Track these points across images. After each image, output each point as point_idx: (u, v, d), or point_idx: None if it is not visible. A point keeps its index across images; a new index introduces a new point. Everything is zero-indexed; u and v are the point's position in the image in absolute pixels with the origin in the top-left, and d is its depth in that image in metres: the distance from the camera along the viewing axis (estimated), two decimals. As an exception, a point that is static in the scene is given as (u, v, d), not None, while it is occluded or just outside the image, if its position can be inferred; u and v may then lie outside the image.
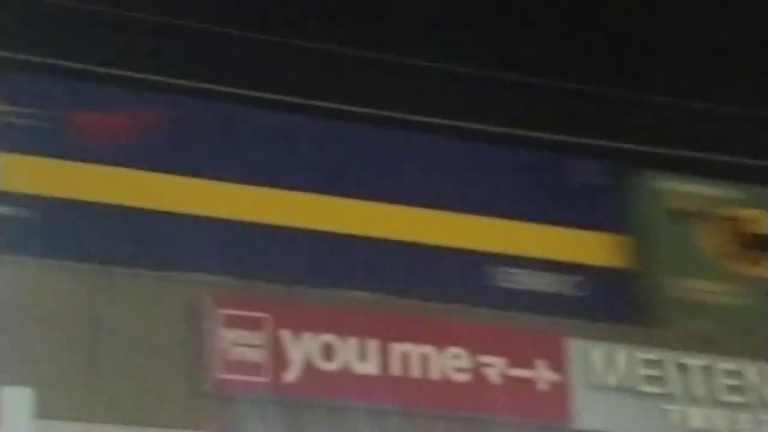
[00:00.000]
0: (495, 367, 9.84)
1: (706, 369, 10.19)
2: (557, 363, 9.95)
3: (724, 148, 11.11)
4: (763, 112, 11.15)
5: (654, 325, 10.42)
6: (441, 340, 9.83)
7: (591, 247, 10.73)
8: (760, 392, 10.20)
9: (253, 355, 9.31)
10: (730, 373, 10.21)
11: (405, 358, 9.74)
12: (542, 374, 9.90)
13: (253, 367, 9.27)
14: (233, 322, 9.32)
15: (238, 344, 9.29)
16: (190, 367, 9.12)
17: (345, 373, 9.55)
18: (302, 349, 9.47)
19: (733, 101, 11.17)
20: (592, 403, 9.90)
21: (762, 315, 10.91)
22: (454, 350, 9.82)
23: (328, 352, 9.53)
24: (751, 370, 10.24)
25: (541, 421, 9.79)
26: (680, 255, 10.89)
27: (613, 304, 10.52)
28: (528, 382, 9.87)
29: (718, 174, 11.13)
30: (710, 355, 10.23)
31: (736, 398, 10.14)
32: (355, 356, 9.63)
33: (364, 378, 9.58)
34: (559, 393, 9.88)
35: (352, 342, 9.64)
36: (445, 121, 10.66)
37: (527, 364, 9.90)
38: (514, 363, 9.88)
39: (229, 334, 9.27)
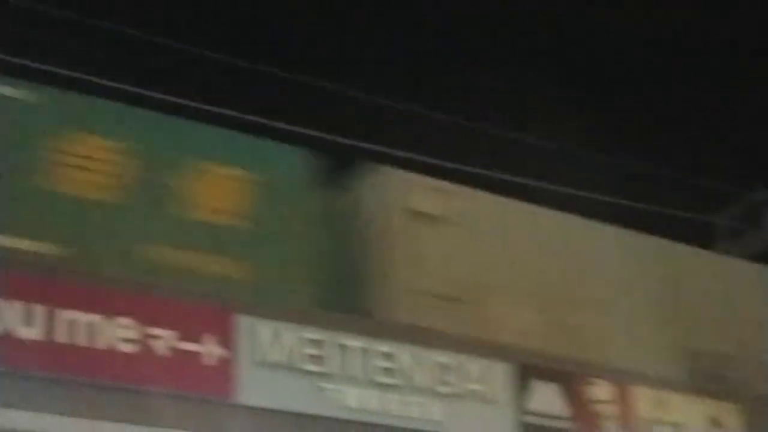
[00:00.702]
0: (163, 340, 9.78)
1: (364, 351, 10.64)
2: (225, 338, 10.04)
3: None
4: None
5: None
6: (110, 310, 9.63)
7: None
8: (411, 375, 10.77)
9: None
10: (385, 356, 10.72)
11: (71, 325, 9.46)
12: (209, 349, 9.95)
13: None
14: None
15: None
16: None
17: (8, 338, 9.16)
18: (-38, 311, 8.97)
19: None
20: (256, 380, 10.08)
21: None
22: (123, 320, 9.66)
23: (-10, 314, 9.08)
24: (404, 354, 10.80)
25: (205, 396, 9.85)
26: None
27: None
28: (194, 356, 9.89)
29: None
30: (367, 338, 10.68)
31: (388, 380, 10.65)
32: (20, 321, 9.25)
33: (27, 344, 9.22)
34: (225, 368, 9.98)
35: (17, 306, 9.26)
36: None
37: (195, 338, 9.91)
38: (183, 336, 9.86)
39: None
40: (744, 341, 13.23)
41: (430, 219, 11.78)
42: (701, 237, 14.41)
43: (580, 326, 12.17)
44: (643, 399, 11.97)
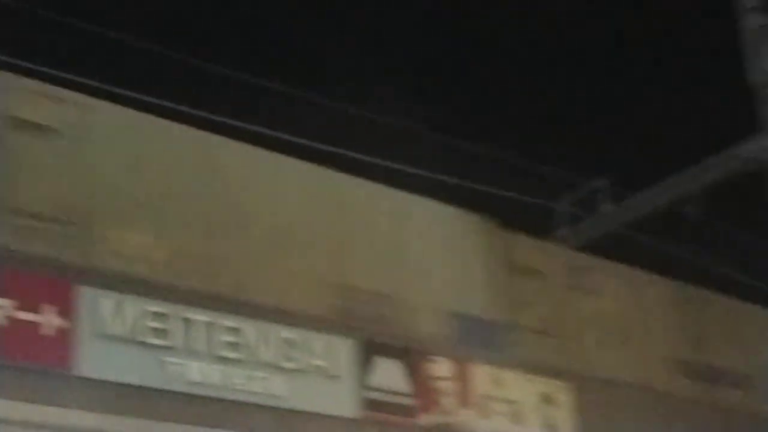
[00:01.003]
0: (0, 309, 9.52)
1: (209, 325, 10.57)
2: (66, 309, 9.83)
3: None
4: None
5: None
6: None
7: None
8: (256, 350, 10.76)
9: None
10: (230, 330, 10.67)
11: None
12: (49, 320, 9.73)
13: None
14: None
15: None
16: None
17: None
18: None
19: None
20: (97, 352, 9.90)
21: None
22: (-41, 289, 9.37)
23: None
24: (250, 329, 10.78)
25: (43, 367, 9.62)
26: None
27: None
28: (33, 326, 9.65)
29: None
30: (213, 312, 10.61)
31: (233, 354, 10.61)
32: None
33: None
34: (64, 340, 9.77)
35: None
36: None
37: (34, 309, 9.68)
38: (21, 306, 9.62)
39: None
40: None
41: (36, 128, 10.28)
42: (541, 222, 14.82)
43: (211, 255, 10.88)
44: (481, 376, 12.26)
